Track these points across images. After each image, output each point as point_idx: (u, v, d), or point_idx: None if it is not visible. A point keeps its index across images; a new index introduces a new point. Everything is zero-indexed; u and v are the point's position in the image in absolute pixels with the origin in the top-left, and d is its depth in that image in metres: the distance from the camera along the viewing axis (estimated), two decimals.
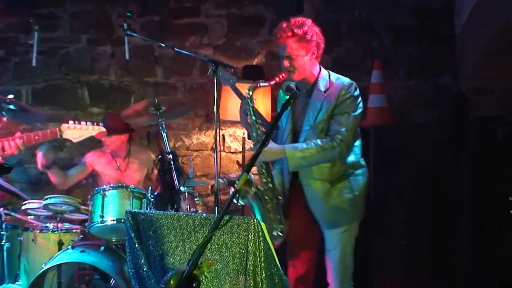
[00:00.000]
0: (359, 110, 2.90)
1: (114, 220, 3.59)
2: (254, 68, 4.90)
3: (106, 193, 3.66)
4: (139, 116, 3.75)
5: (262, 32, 4.98)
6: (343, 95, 2.83)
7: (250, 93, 2.88)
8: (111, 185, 3.75)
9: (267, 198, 2.91)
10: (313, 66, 2.90)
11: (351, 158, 2.94)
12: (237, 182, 2.81)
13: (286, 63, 2.85)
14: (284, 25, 2.83)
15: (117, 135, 4.20)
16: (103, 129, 2.99)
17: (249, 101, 2.88)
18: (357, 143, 2.97)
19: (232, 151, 5.13)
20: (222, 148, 4.99)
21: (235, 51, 4.98)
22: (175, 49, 3.81)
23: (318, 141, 2.82)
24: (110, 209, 3.63)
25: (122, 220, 3.54)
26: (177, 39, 4.88)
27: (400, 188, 3.94)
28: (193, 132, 5.01)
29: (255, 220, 2.48)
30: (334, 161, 2.87)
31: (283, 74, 2.85)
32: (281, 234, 2.90)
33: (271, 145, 2.84)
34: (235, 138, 5.07)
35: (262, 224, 2.48)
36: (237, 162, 5.13)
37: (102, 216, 3.59)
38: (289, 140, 2.95)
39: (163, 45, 3.98)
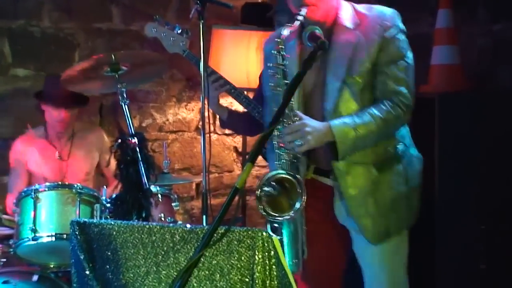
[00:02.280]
0: (411, 54, 2.92)
1: (52, 236, 3.61)
2: (259, 7, 4.95)
3: (40, 195, 3.67)
4: (87, 81, 3.76)
5: None
6: (389, 30, 2.84)
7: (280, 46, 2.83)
8: (47, 183, 3.77)
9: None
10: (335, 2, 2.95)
11: (402, 132, 2.99)
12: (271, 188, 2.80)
13: None
14: None
15: (68, 109, 4.24)
16: None
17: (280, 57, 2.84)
18: None
19: (227, 132, 5.16)
20: (212, 129, 5.02)
21: None
22: None
23: (374, 110, 2.83)
24: (47, 220, 3.65)
25: (65, 236, 3.56)
26: None
27: (478, 184, 3.95)
28: (168, 105, 5.05)
29: (263, 234, 2.49)
30: None
31: (304, 11, 2.84)
32: (303, 256, 2.94)
33: (312, 121, 2.82)
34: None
35: (275, 239, 2.50)
36: (235, 149, 5.17)
37: (34, 230, 3.61)
38: (300, 109, 2.91)
39: None
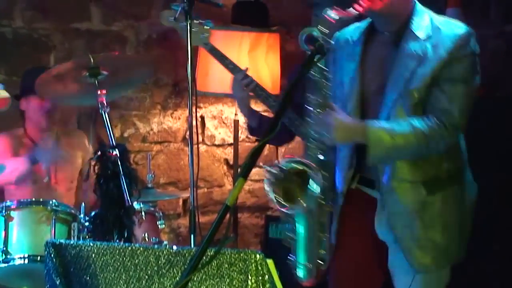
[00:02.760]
0: (478, 78, 2.94)
1: (24, 258, 3.59)
2: (252, 5, 4.92)
3: (12, 213, 3.65)
4: (64, 87, 3.75)
5: None
6: (459, 50, 2.86)
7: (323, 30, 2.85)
8: (20, 200, 3.76)
9: (324, 207, 2.94)
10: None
11: (455, 153, 3.00)
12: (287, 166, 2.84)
13: None
14: None
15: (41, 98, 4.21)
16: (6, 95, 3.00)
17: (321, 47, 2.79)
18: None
19: (217, 143, 5.15)
20: (200, 139, 5.01)
21: None
22: None
23: (418, 123, 2.85)
24: (19, 240, 3.62)
25: (39, 258, 3.54)
26: None
27: (495, 197, 3.95)
28: (152, 113, 5.04)
29: (257, 256, 2.48)
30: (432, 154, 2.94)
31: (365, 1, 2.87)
32: (321, 262, 2.94)
33: (345, 116, 2.89)
34: (222, 122, 5.11)
35: (269, 261, 2.50)
36: (226, 161, 5.16)
37: (5, 252, 3.59)
38: (356, 116, 2.98)
39: None
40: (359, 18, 3.01)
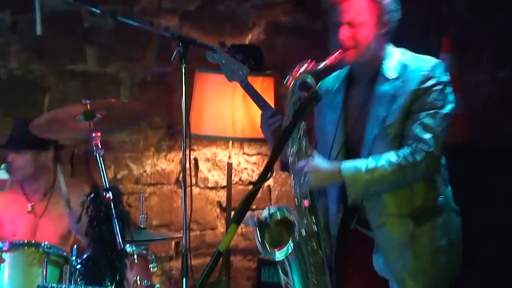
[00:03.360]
0: (451, 106, 3.04)
1: None
2: (247, 49, 4.98)
3: (3, 255, 3.64)
4: (59, 129, 3.79)
5: None
6: (426, 81, 3.00)
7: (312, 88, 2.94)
8: (12, 241, 3.74)
9: (309, 249, 3.02)
10: (381, 45, 3.11)
11: (439, 182, 3.10)
12: (268, 218, 2.93)
13: (344, 31, 3.02)
14: None
15: (30, 153, 4.23)
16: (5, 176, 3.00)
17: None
18: (443, 160, 3.14)
19: (210, 185, 5.16)
20: (194, 181, 5.03)
21: (216, 21, 5.08)
22: (118, 17, 3.86)
23: (391, 155, 2.95)
24: (10, 283, 3.62)
25: None
26: (121, 0, 4.93)
27: (491, 246, 4.00)
28: (146, 155, 5.07)
29: None
30: (416, 186, 3.03)
31: (339, 52, 3.02)
32: None
33: (319, 161, 2.99)
34: (216, 165, 5.15)
35: None
36: (219, 204, 5.17)
37: None
38: (341, 159, 3.08)
39: (98, 10, 4.02)
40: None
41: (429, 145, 2.94)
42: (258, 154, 4.68)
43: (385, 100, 3.01)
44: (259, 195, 5.00)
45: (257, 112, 4.66)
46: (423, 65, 3.03)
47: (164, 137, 5.06)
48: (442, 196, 3.08)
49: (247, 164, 5.21)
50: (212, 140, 5.03)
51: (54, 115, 3.73)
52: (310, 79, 2.87)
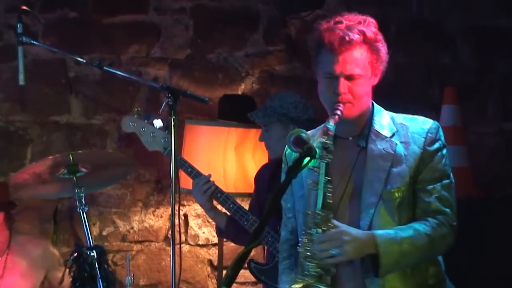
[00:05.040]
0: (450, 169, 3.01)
1: None
2: (240, 100, 4.97)
3: None
4: (41, 184, 3.81)
5: (254, 39, 5.14)
6: (431, 144, 2.92)
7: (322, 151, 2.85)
8: None
9: None
10: (370, 97, 3.01)
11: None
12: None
13: (344, 85, 2.89)
14: (347, 19, 2.93)
15: None
16: None
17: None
18: None
19: (200, 243, 5.13)
20: (183, 239, 5.01)
21: (207, 71, 5.13)
22: (104, 67, 3.88)
23: (418, 225, 2.88)
24: None
25: None
26: (109, 49, 5.03)
27: None
28: (133, 211, 5.07)
29: None
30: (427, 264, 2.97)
31: (340, 108, 2.89)
32: None
33: (352, 229, 2.83)
34: (207, 221, 5.11)
35: None
36: (210, 262, 5.14)
37: None
38: None
39: (83, 60, 4.05)
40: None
41: (451, 218, 2.90)
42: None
43: (384, 160, 2.91)
44: (253, 252, 5.02)
45: (250, 165, 4.73)
46: (426, 125, 2.95)
47: (153, 192, 5.07)
48: (440, 270, 3.01)
49: None
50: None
51: (35, 169, 3.74)
52: (304, 134, 2.82)
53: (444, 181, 2.93)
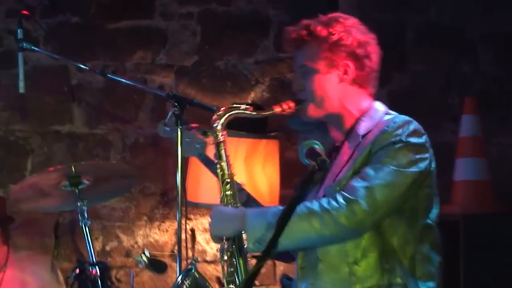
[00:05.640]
0: (414, 169, 2.78)
1: None
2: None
3: None
4: (41, 197, 3.78)
5: (264, 45, 5.10)
6: (384, 138, 2.80)
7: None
8: None
9: None
10: (349, 95, 2.94)
11: (400, 267, 2.79)
12: None
13: (295, 83, 2.99)
14: (303, 22, 2.96)
15: None
16: None
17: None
18: (430, 238, 2.85)
19: (208, 259, 5.07)
20: (190, 254, 4.96)
21: (216, 79, 5.09)
22: (108, 75, 3.86)
23: (313, 203, 2.76)
24: None
25: None
26: (113, 55, 5.00)
27: None
28: (138, 225, 5.00)
29: None
30: (359, 248, 2.77)
31: (290, 104, 2.96)
32: None
33: (222, 207, 2.95)
34: None
35: None
36: (218, 280, 5.09)
37: None
38: None
39: (86, 67, 4.02)
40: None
41: (360, 192, 2.70)
42: None
43: (343, 157, 2.87)
44: (263, 270, 4.96)
45: (260, 178, 4.70)
46: (389, 120, 2.84)
47: (158, 205, 4.99)
48: (404, 283, 2.77)
49: None
50: (211, 209, 4.94)
51: (35, 181, 3.71)
52: (318, 146, 2.76)
53: (378, 166, 2.75)
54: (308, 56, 2.91)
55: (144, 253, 3.47)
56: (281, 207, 2.76)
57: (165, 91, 4.21)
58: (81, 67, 4.14)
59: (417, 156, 2.79)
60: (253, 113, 2.99)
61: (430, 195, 2.85)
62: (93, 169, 3.78)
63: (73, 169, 3.64)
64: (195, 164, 4.61)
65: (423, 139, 2.83)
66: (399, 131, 2.80)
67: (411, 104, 4.76)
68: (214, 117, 3.01)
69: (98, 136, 4.99)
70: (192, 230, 5.02)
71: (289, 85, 5.19)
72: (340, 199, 2.71)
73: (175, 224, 4.31)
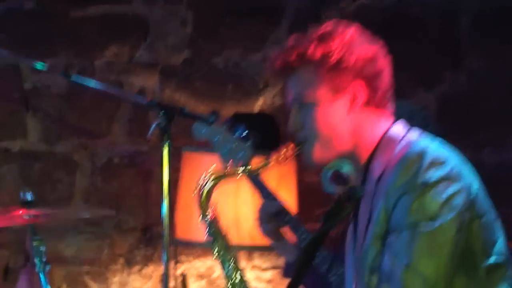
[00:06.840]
0: (451, 214, 2.73)
1: None
2: (255, 119, 5.01)
3: None
4: None
5: (276, 37, 5.06)
6: (398, 187, 2.76)
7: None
8: None
9: None
10: (364, 123, 2.94)
11: None
12: None
13: (291, 121, 3.00)
14: (293, 39, 2.95)
15: None
16: None
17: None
18: None
19: None
20: None
21: (212, 81, 5.08)
22: (72, 76, 3.93)
23: None
24: None
25: None
26: (78, 52, 5.01)
27: None
28: (112, 269, 4.98)
29: None
30: None
31: (292, 148, 3.02)
32: None
33: None
34: (212, 284, 5.05)
35: None
36: None
37: None
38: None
39: (43, 67, 4.03)
40: None
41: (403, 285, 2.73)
42: (274, 268, 4.59)
43: (365, 208, 2.88)
44: None
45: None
46: (403, 157, 2.82)
47: (138, 244, 4.99)
48: None
49: (259, 282, 5.14)
50: (207, 249, 4.92)
51: None
52: (347, 169, 2.78)
53: (407, 232, 2.78)
54: (304, 85, 2.93)
55: None
56: None
57: (146, 98, 4.22)
58: (37, 67, 4.18)
59: (447, 193, 2.74)
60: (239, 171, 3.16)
61: (485, 225, 2.76)
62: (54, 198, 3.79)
63: (27, 196, 3.73)
64: (186, 189, 4.60)
65: (445, 167, 2.76)
66: (413, 169, 2.76)
67: (467, 112, 4.82)
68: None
69: (60, 156, 4.99)
70: (183, 276, 5.01)
71: None
72: None
73: (161, 269, 4.33)
